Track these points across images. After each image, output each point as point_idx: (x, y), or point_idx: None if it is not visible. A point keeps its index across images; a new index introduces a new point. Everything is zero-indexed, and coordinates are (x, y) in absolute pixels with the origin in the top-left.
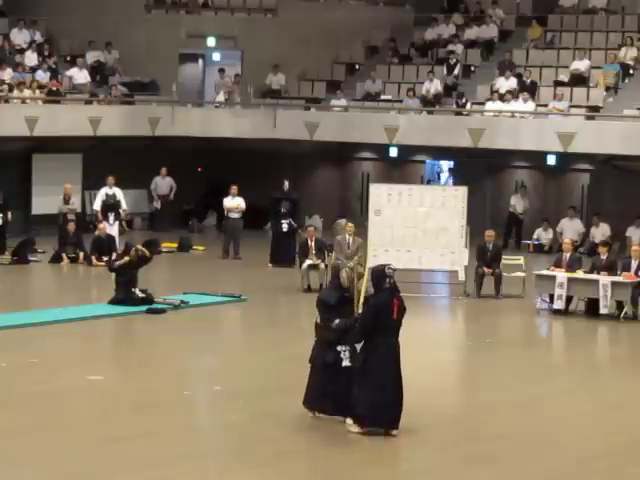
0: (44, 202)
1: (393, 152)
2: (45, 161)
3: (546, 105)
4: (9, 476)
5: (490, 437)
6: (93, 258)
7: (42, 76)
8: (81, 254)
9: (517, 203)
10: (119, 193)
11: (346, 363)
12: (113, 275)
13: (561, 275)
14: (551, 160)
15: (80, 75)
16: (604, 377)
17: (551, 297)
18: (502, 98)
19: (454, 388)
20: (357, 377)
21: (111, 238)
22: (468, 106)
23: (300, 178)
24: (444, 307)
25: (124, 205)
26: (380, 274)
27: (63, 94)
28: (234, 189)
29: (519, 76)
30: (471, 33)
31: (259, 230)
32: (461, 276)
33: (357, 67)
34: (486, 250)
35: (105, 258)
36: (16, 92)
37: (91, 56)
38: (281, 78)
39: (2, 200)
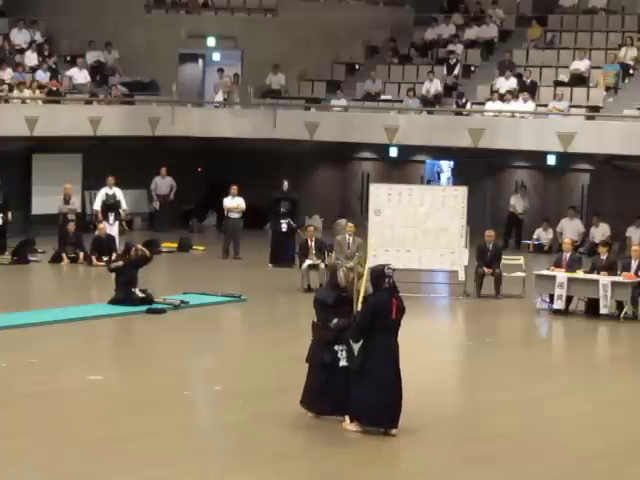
0: (44, 202)
1: (393, 152)
2: (45, 161)
3: (546, 105)
4: (9, 476)
5: (490, 437)
6: (93, 258)
7: (42, 76)
8: (81, 254)
9: (517, 203)
10: (119, 193)
11: (343, 363)
12: (113, 275)
13: (561, 275)
14: (551, 160)
15: (80, 75)
16: (604, 377)
17: (551, 297)
18: (502, 98)
19: (454, 388)
20: (356, 377)
21: (111, 238)
22: (468, 106)
23: (300, 178)
24: (444, 307)
25: (124, 205)
26: (379, 274)
27: (63, 94)
28: (234, 189)
29: (519, 76)
30: (471, 33)
31: (259, 230)
32: (461, 276)
33: (357, 67)
34: (486, 250)
35: (105, 258)
36: (16, 92)
37: (91, 56)
38: (281, 78)
39: (2, 200)
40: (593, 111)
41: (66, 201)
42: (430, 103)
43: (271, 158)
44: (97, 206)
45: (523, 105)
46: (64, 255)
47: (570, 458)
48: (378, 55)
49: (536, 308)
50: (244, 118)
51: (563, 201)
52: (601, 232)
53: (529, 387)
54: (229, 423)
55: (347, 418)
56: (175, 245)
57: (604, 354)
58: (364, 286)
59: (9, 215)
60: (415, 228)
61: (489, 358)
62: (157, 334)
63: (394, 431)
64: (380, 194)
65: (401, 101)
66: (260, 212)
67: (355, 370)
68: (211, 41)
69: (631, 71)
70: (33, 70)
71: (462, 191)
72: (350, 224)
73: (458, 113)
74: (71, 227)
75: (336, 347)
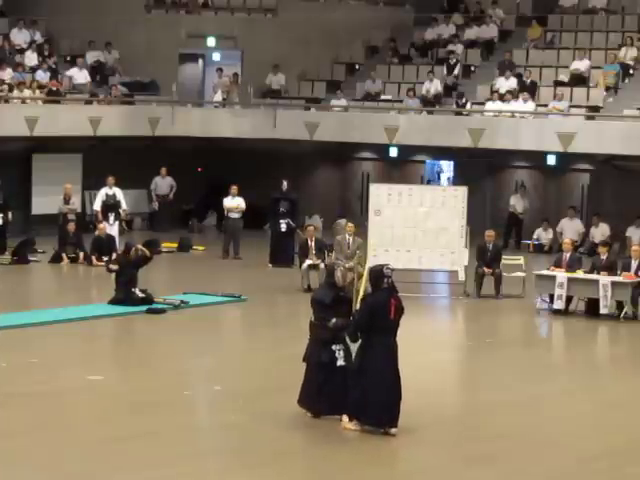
0: (44, 202)
1: (393, 152)
2: (45, 161)
3: (546, 105)
4: (9, 476)
5: (490, 437)
6: (93, 258)
7: (42, 76)
8: (81, 254)
9: (517, 203)
10: (119, 193)
11: (341, 362)
12: (113, 275)
13: (561, 275)
14: (551, 160)
15: (80, 75)
16: (604, 377)
17: (551, 297)
18: (502, 98)
19: (454, 388)
20: (354, 376)
21: (111, 238)
22: (468, 106)
23: (300, 178)
24: (444, 307)
25: (124, 205)
26: (378, 274)
27: (63, 94)
28: (234, 189)
29: (519, 76)
30: (471, 33)
31: (259, 230)
32: (461, 276)
33: (357, 67)
34: (486, 250)
35: (105, 258)
36: (16, 92)
37: (91, 56)
38: (281, 78)
39: (2, 200)
40: (593, 111)
41: (66, 201)
42: (430, 103)
43: (271, 158)
44: (97, 206)
45: (523, 105)
46: (64, 255)
47: (570, 458)
48: (378, 55)
49: (536, 308)
50: (244, 118)
51: (563, 201)
52: (601, 232)
53: (529, 387)
54: (229, 423)
55: (344, 417)
56: (175, 245)
57: (604, 354)
58: (364, 286)
59: (9, 215)
60: (415, 228)
61: (489, 358)
62: (157, 334)
63: (394, 430)
64: (380, 194)
65: (401, 101)
66: (260, 212)
67: (354, 370)
68: (211, 41)
69: (631, 71)
70: (33, 70)
71: (462, 191)
72: (350, 224)
73: (458, 113)
74: (71, 227)
75: (334, 347)
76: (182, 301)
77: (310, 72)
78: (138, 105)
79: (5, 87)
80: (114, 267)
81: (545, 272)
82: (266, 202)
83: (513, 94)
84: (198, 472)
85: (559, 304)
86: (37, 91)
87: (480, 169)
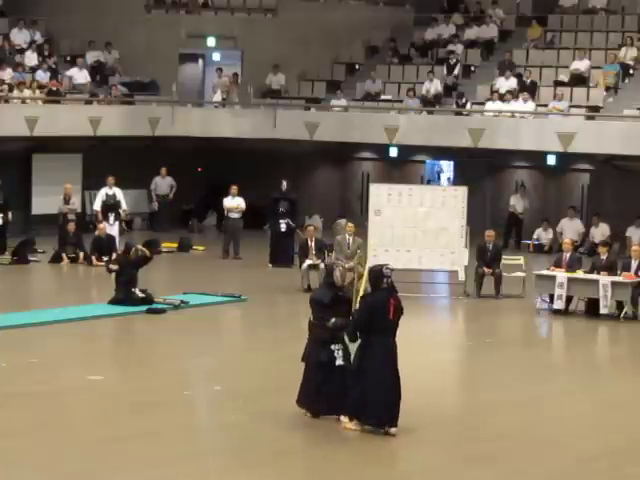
0: (44, 202)
1: (393, 152)
2: (45, 161)
3: (546, 105)
4: (9, 476)
5: (490, 437)
6: (93, 258)
7: (42, 76)
8: (81, 254)
9: (517, 203)
10: (119, 193)
11: (340, 362)
12: (113, 275)
13: (561, 275)
14: (551, 160)
15: (80, 75)
16: (604, 377)
17: (551, 297)
18: (502, 98)
19: (454, 388)
20: (354, 376)
21: (111, 238)
22: (468, 106)
23: (300, 178)
24: (444, 307)
25: (124, 205)
26: (378, 274)
27: (63, 94)
28: (234, 189)
29: (519, 76)
30: (471, 33)
31: (259, 230)
32: (461, 276)
33: (357, 67)
34: (486, 250)
35: (105, 258)
36: (16, 92)
37: (91, 56)
38: (281, 78)
39: (2, 200)
40: (593, 111)
41: (66, 201)
42: (430, 103)
43: (271, 158)
44: (97, 206)
45: (523, 105)
46: (64, 255)
47: (570, 458)
48: (378, 55)
49: (536, 308)
50: (244, 118)
51: (563, 201)
52: (601, 232)
53: (529, 387)
54: (229, 423)
55: (342, 417)
56: (175, 245)
57: (604, 354)
58: (364, 286)
59: (9, 215)
60: (415, 228)
61: (489, 358)
62: (157, 334)
63: (393, 430)
64: (380, 194)
65: (401, 101)
66: (260, 212)
67: (353, 370)
68: (211, 41)
69: (631, 71)
70: (33, 70)
71: (462, 191)
72: (350, 224)
73: (458, 113)
74: (71, 227)
75: (332, 346)
76: (182, 301)
77: (310, 72)
78: (138, 105)
79: (5, 87)
80: (114, 267)
81: (545, 272)
82: (266, 202)
83: (513, 94)
84: (198, 472)
85: (559, 304)
86: (37, 91)
87: (480, 169)
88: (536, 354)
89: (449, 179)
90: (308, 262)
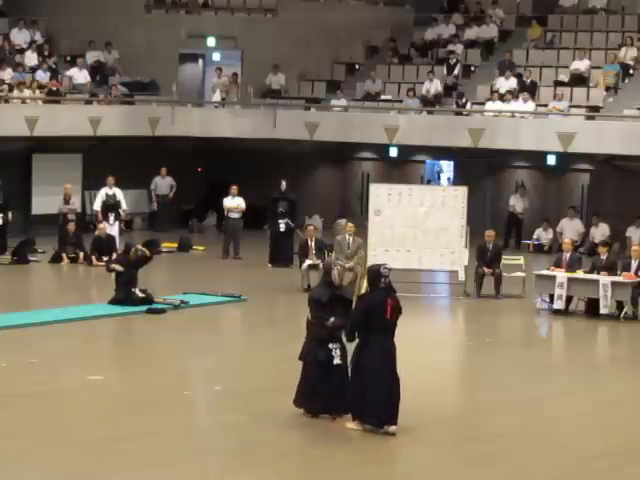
0: (44, 202)
1: (393, 152)
2: (45, 161)
3: (546, 105)
4: (9, 476)
5: (490, 437)
6: (93, 258)
7: (42, 76)
8: (81, 254)
9: (516, 203)
10: (119, 193)
11: (337, 361)
12: (113, 275)
13: (561, 275)
14: (551, 160)
15: (80, 75)
16: (604, 377)
17: (551, 297)
18: (502, 98)
19: (454, 388)
20: (353, 376)
21: (111, 238)
22: (468, 106)
23: (300, 178)
24: (444, 307)
25: (124, 205)
26: (375, 273)
27: (63, 94)
28: (234, 189)
29: (519, 76)
30: (471, 33)
31: (259, 230)
32: (461, 276)
33: (357, 67)
34: (486, 250)
35: (105, 258)
36: (16, 92)
37: (91, 56)
38: (281, 78)
39: (2, 200)
40: (593, 111)
41: (66, 201)
42: (430, 103)
43: (271, 158)
44: (97, 206)
45: (523, 105)
46: (64, 255)
47: (570, 458)
48: (378, 55)
49: (536, 308)
50: (244, 118)
51: (563, 201)
52: (601, 232)
53: (529, 387)
54: (229, 423)
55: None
56: (175, 245)
57: (604, 354)
58: (364, 286)
59: (9, 215)
60: (415, 228)
61: (489, 358)
62: (157, 334)
63: (393, 428)
64: (380, 194)
65: (401, 101)
66: (260, 212)
67: (352, 369)
68: (211, 41)
69: (631, 71)
70: (33, 70)
71: (462, 191)
72: (350, 224)
73: (458, 113)
74: (71, 227)
75: (330, 345)
76: (182, 301)
77: (310, 72)
78: (138, 105)
79: (5, 87)
80: (119, 268)
81: (545, 272)
82: (266, 202)
83: (513, 94)
84: (198, 472)
85: (559, 304)
86: (37, 91)
87: (480, 169)
88: (536, 354)
89: (449, 179)
90: (308, 262)
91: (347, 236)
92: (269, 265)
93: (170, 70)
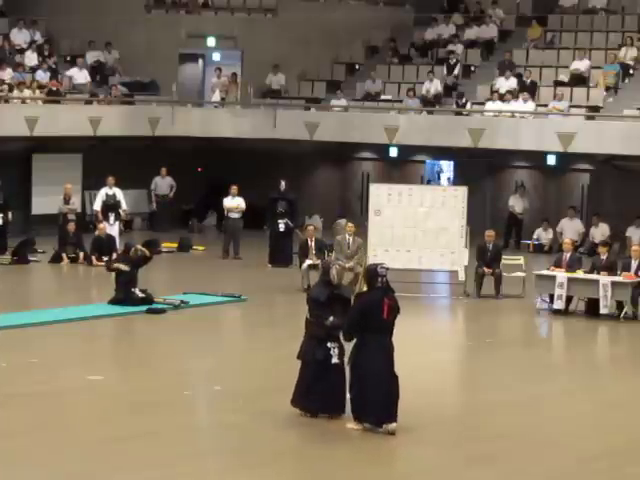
0: (44, 202)
1: (393, 152)
2: (45, 161)
3: (546, 105)
4: (9, 476)
5: (490, 437)
6: (93, 258)
7: (42, 76)
8: (81, 254)
9: (516, 203)
10: (119, 193)
11: (335, 360)
12: (113, 275)
13: (561, 275)
14: (551, 160)
15: (80, 75)
16: (604, 377)
17: (551, 297)
18: (502, 98)
19: (454, 388)
20: (351, 376)
21: (111, 238)
22: (468, 106)
23: (300, 178)
24: (444, 307)
25: (124, 205)
26: (372, 273)
27: (63, 94)
28: (234, 189)
29: (519, 76)
30: (471, 33)
31: (259, 230)
32: (461, 276)
33: (357, 67)
34: (486, 250)
35: (105, 258)
36: (16, 92)
37: (91, 56)
38: (281, 78)
39: (2, 200)
40: (593, 111)
41: (66, 201)
42: (430, 103)
43: (271, 158)
44: (97, 206)
45: (523, 105)
46: (64, 255)
47: (570, 458)
48: (378, 55)
49: (536, 308)
50: (244, 118)
51: (563, 201)
52: (601, 232)
53: (529, 387)
54: (229, 423)
55: (333, 417)
56: (175, 245)
57: (604, 354)
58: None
59: (9, 215)
60: (415, 228)
61: (489, 358)
62: (157, 334)
63: (393, 425)
64: (380, 194)
65: (401, 101)
66: (260, 212)
67: (350, 369)
68: (211, 41)
69: (631, 71)
70: (33, 70)
71: (462, 191)
72: (350, 224)
73: (458, 113)
74: (71, 227)
75: (329, 344)
76: (182, 301)
77: (310, 72)
78: (138, 105)
79: (5, 87)
80: (124, 267)
81: (545, 272)
82: (266, 202)
83: (513, 94)
84: (198, 472)
85: (559, 304)
86: (37, 91)
87: (480, 169)
88: (536, 354)
89: (449, 179)
90: (308, 262)
91: (347, 236)
92: (269, 265)
93: (170, 70)
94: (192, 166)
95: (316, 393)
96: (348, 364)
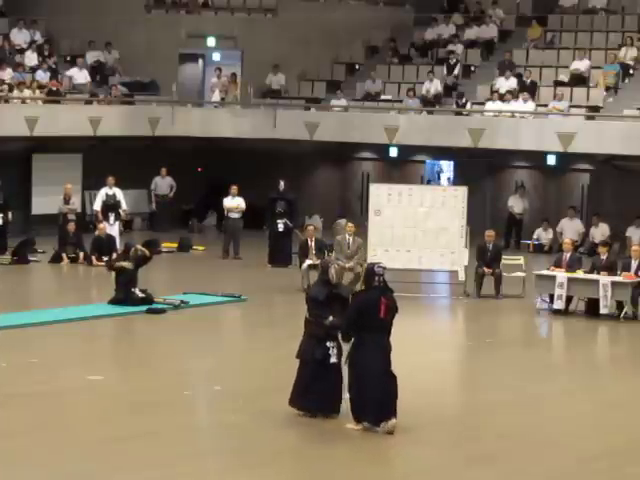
0: (44, 202)
1: (393, 152)
2: (45, 161)
3: (546, 105)
4: (9, 476)
5: (490, 437)
6: (93, 258)
7: (42, 76)
8: (81, 254)
9: (515, 204)
10: (119, 193)
11: (333, 360)
12: (113, 275)
13: (561, 275)
14: (551, 160)
15: (80, 75)
16: (604, 377)
17: (551, 297)
18: (502, 98)
19: (454, 388)
20: (349, 375)
21: (111, 238)
22: (468, 106)
23: (300, 178)
24: (444, 307)
25: (124, 205)
26: (370, 272)
27: (63, 94)
28: (234, 189)
29: (519, 76)
30: (471, 33)
31: (259, 230)
32: (461, 276)
33: (357, 67)
34: (486, 250)
35: (105, 258)
36: (16, 92)
37: (91, 56)
38: (281, 78)
39: (2, 200)
40: (593, 111)
41: (66, 201)
42: (430, 103)
43: (271, 158)
44: (97, 206)
45: (523, 105)
46: (64, 255)
47: (570, 458)
48: (378, 55)
49: (536, 308)
50: (244, 118)
51: (563, 201)
52: (601, 232)
53: (529, 387)
54: (229, 423)
55: (329, 416)
56: (175, 245)
57: (604, 354)
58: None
59: (9, 215)
60: (415, 228)
61: (489, 358)
62: (157, 334)
63: (392, 422)
64: (380, 194)
65: (401, 101)
66: (260, 212)
67: (348, 368)
68: (211, 41)
69: (631, 71)
70: (33, 70)
71: (462, 191)
72: (350, 224)
73: (458, 113)
74: (71, 227)
75: (327, 344)
76: (182, 301)
77: (310, 72)
78: (138, 105)
79: (5, 87)
80: (128, 265)
81: (545, 272)
82: (266, 202)
83: (513, 94)
84: (198, 472)
85: (559, 304)
86: (37, 91)
87: (480, 169)
88: (536, 354)
89: (449, 179)
90: (308, 262)
91: (347, 236)
92: (268, 265)
93: (170, 70)
94: (192, 166)
95: (314, 392)
96: (345, 363)
